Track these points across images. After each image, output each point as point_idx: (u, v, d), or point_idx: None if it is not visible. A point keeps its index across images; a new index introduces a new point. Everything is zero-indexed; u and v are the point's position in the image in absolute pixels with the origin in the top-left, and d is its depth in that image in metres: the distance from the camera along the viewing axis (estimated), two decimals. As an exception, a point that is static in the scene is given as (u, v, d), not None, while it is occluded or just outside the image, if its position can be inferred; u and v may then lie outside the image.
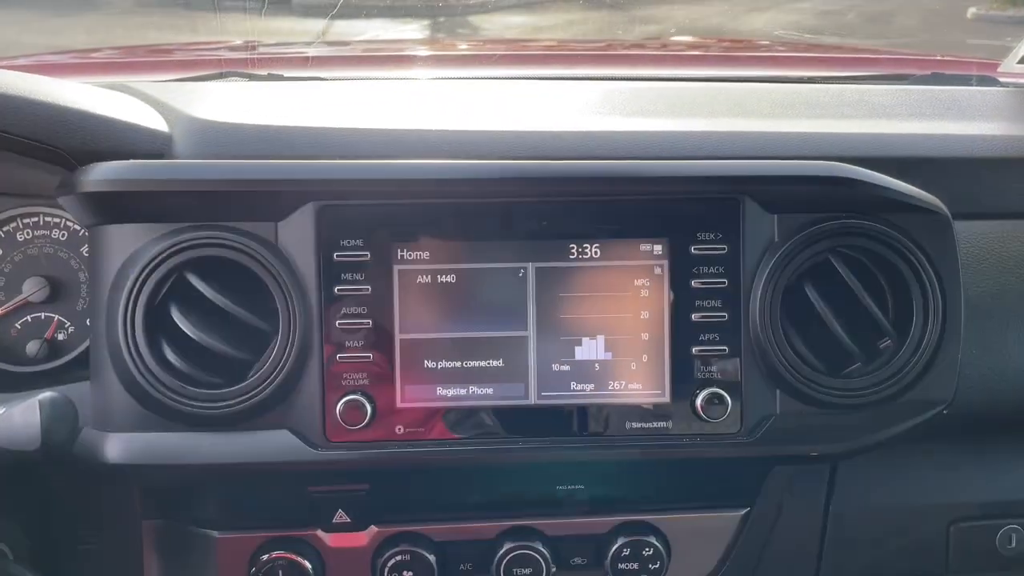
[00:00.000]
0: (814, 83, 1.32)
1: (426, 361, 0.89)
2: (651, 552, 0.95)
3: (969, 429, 1.01)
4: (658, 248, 0.89)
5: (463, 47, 1.78)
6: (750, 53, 1.60)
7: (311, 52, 1.55)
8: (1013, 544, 1.02)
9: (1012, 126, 1.04)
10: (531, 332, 0.89)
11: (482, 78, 1.34)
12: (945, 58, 1.58)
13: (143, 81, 1.13)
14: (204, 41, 1.67)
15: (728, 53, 1.60)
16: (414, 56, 1.58)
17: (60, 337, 1.02)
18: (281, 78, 1.33)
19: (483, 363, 0.89)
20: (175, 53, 1.62)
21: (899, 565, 1.04)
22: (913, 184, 0.91)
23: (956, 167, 0.98)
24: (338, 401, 0.87)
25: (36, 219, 1.02)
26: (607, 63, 1.51)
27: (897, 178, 0.90)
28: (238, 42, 1.51)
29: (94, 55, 1.59)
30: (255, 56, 1.47)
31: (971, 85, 1.28)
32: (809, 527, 1.01)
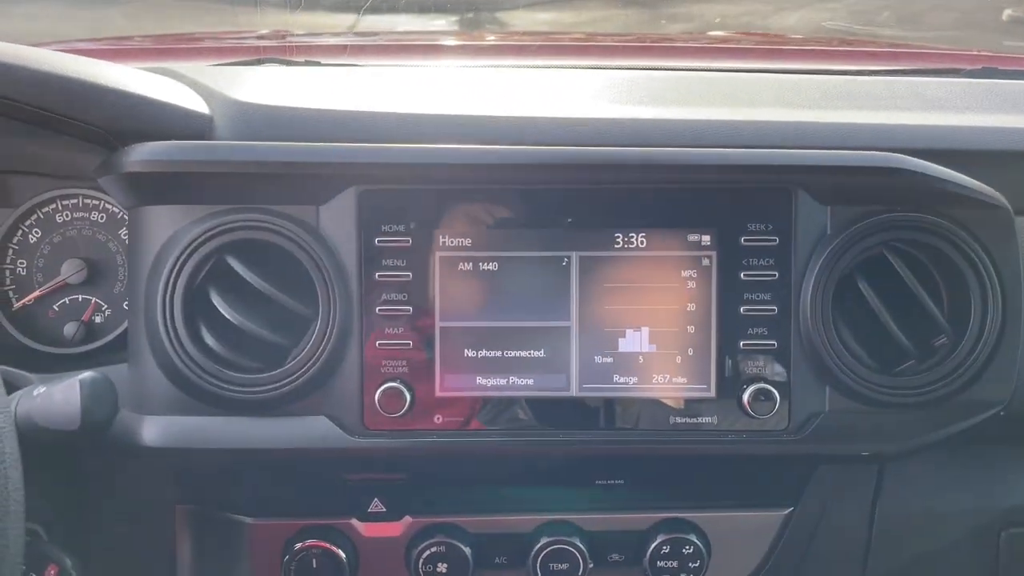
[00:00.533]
0: (862, 76, 1.30)
1: (466, 350, 0.88)
2: (691, 550, 0.94)
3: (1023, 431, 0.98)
4: (706, 239, 0.87)
5: (494, 39, 1.77)
6: (793, 46, 1.56)
7: (346, 41, 1.55)
8: (1065, 552, 0.99)
9: None
10: (574, 322, 0.88)
11: (519, 66, 1.32)
12: (995, 54, 1.55)
13: (182, 65, 1.12)
14: (240, 30, 1.68)
15: (770, 46, 1.57)
16: (449, 46, 1.58)
17: (97, 320, 1.02)
18: (318, 64, 1.32)
19: (524, 353, 0.88)
20: (212, 41, 1.63)
21: (947, 571, 1.01)
22: (973, 177, 0.88)
23: (1016, 161, 0.95)
24: (377, 388, 0.87)
25: (75, 201, 1.02)
26: (642, 54, 1.49)
27: (955, 171, 0.88)
28: (274, 31, 1.51)
29: (130, 41, 1.60)
30: (292, 44, 1.47)
31: (1025, 80, 1.25)
32: (854, 530, 1.00)
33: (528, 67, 1.30)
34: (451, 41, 1.62)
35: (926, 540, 1.00)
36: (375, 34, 1.77)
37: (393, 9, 1.92)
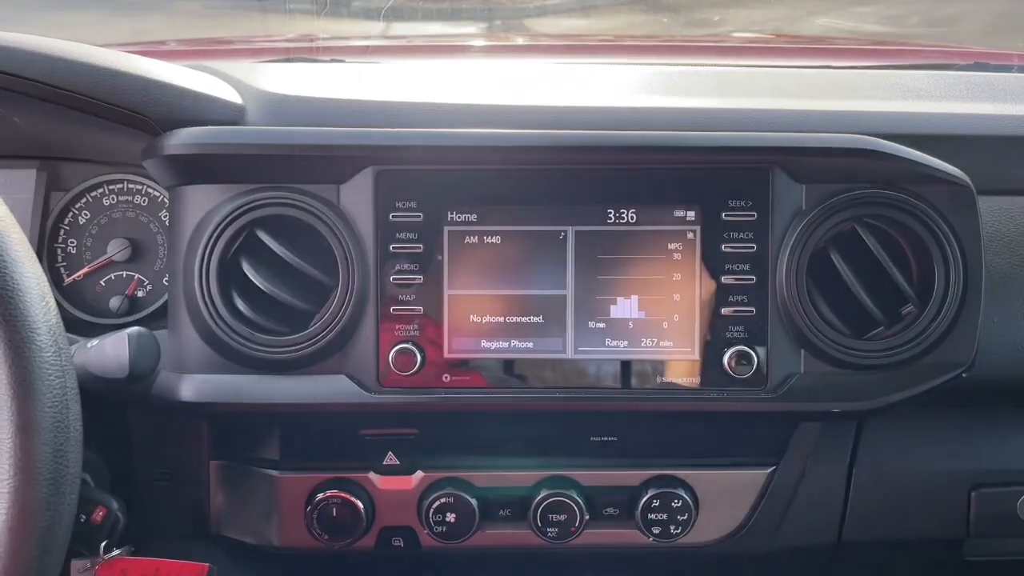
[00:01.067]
0: (858, 70, 1.36)
1: (472, 316, 0.95)
2: (679, 504, 1.00)
3: (992, 397, 1.04)
4: (691, 214, 0.94)
5: (504, 41, 1.85)
6: (793, 45, 1.63)
7: (371, 43, 1.64)
8: (1034, 511, 1.05)
9: None
10: (570, 291, 0.94)
11: (524, 62, 1.40)
12: (990, 50, 1.60)
13: (218, 63, 1.22)
14: (269, 36, 1.77)
15: (771, 45, 1.64)
16: (469, 47, 1.66)
17: (139, 294, 1.09)
18: (343, 62, 1.41)
19: (524, 319, 0.95)
20: (244, 43, 1.72)
21: (920, 527, 1.06)
22: (942, 159, 0.94)
23: (983, 144, 1.01)
24: (390, 349, 0.94)
25: (121, 186, 1.10)
26: (645, 53, 1.56)
27: (926, 153, 0.94)
28: (301, 34, 1.60)
29: (169, 45, 1.70)
30: (318, 45, 1.56)
31: (1013, 72, 1.31)
32: (833, 487, 1.05)
33: (535, 63, 1.39)
34: (465, 43, 1.70)
35: (900, 499, 1.05)
36: (399, 37, 1.86)
37: (419, 17, 2.00)
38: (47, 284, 0.72)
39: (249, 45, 1.59)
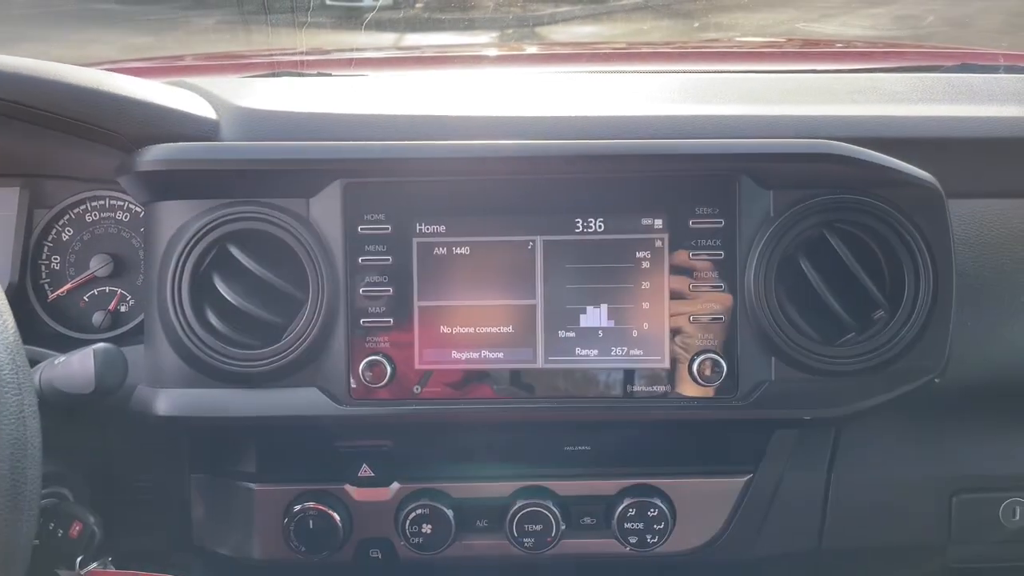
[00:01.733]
0: (841, 74, 1.35)
1: (442, 326, 0.95)
2: (656, 513, 1.00)
3: (972, 402, 1.03)
4: (659, 222, 0.94)
5: (485, 51, 1.85)
6: (779, 49, 1.63)
7: (359, 55, 1.65)
8: (1017, 517, 1.03)
9: (1019, 108, 1.06)
10: (539, 301, 0.95)
11: (498, 72, 1.40)
12: (978, 51, 1.59)
13: (201, 79, 1.23)
14: (261, 49, 1.78)
15: (757, 50, 1.64)
16: (456, 57, 1.67)
17: (122, 309, 1.10)
18: (329, 75, 1.42)
19: (494, 329, 0.95)
20: (231, 59, 1.74)
21: (901, 534, 1.05)
22: (912, 163, 0.94)
23: (955, 147, 1.01)
24: (361, 361, 0.94)
25: (103, 202, 1.11)
26: (622, 60, 1.57)
27: (895, 157, 0.94)
28: (287, 49, 1.61)
29: (156, 60, 1.72)
30: (306, 59, 1.57)
31: (999, 73, 1.29)
32: (811, 495, 1.04)
33: (513, 73, 1.39)
34: (447, 53, 1.71)
35: (881, 505, 1.04)
36: (395, 48, 1.87)
37: (427, 28, 2.01)
38: (4, 302, 0.73)
39: (237, 60, 1.61)
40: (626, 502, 1.01)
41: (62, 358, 0.86)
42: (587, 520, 1.02)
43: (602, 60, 1.58)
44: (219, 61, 1.62)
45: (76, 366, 0.83)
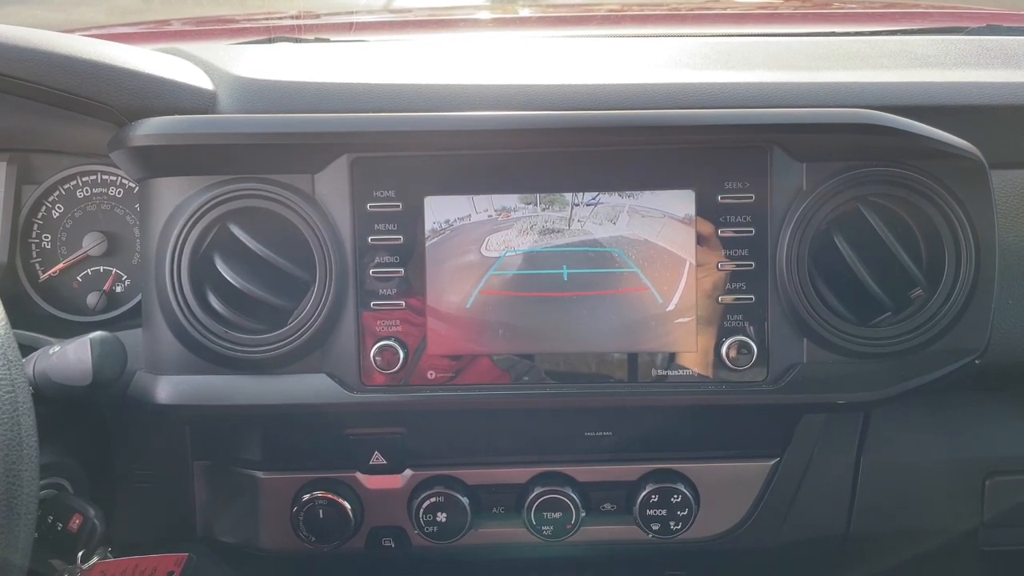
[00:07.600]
0: (863, 36, 1.30)
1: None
2: (679, 499, 0.97)
3: (1008, 381, 0.99)
4: (685, 197, 0.89)
5: (491, 13, 1.79)
6: (797, 10, 1.57)
7: (357, 19, 1.58)
8: (1052, 499, 1.01)
9: None
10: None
11: (510, 36, 1.34)
12: (1004, 11, 1.53)
13: (196, 45, 1.17)
14: (256, 13, 1.72)
15: (774, 11, 1.58)
16: (461, 20, 1.60)
17: (118, 289, 1.06)
18: (328, 41, 1.36)
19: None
20: (226, 23, 1.67)
21: (932, 517, 1.03)
22: (951, 132, 0.89)
23: (996, 114, 0.96)
24: (372, 347, 0.90)
25: (94, 177, 1.06)
26: (649, 23, 1.50)
27: (933, 126, 0.89)
28: (285, 12, 1.55)
29: (144, 25, 1.65)
30: (303, 23, 1.51)
31: (1027, 35, 1.24)
32: (840, 478, 1.01)
33: (527, 36, 1.33)
34: (457, 16, 1.64)
35: (911, 488, 1.01)
36: (396, 11, 1.81)
37: None
38: None
39: (232, 25, 1.54)
40: (648, 488, 0.97)
41: (57, 347, 0.81)
42: (607, 506, 0.99)
43: (612, 23, 1.51)
44: (211, 26, 1.56)
45: (72, 357, 0.79)
